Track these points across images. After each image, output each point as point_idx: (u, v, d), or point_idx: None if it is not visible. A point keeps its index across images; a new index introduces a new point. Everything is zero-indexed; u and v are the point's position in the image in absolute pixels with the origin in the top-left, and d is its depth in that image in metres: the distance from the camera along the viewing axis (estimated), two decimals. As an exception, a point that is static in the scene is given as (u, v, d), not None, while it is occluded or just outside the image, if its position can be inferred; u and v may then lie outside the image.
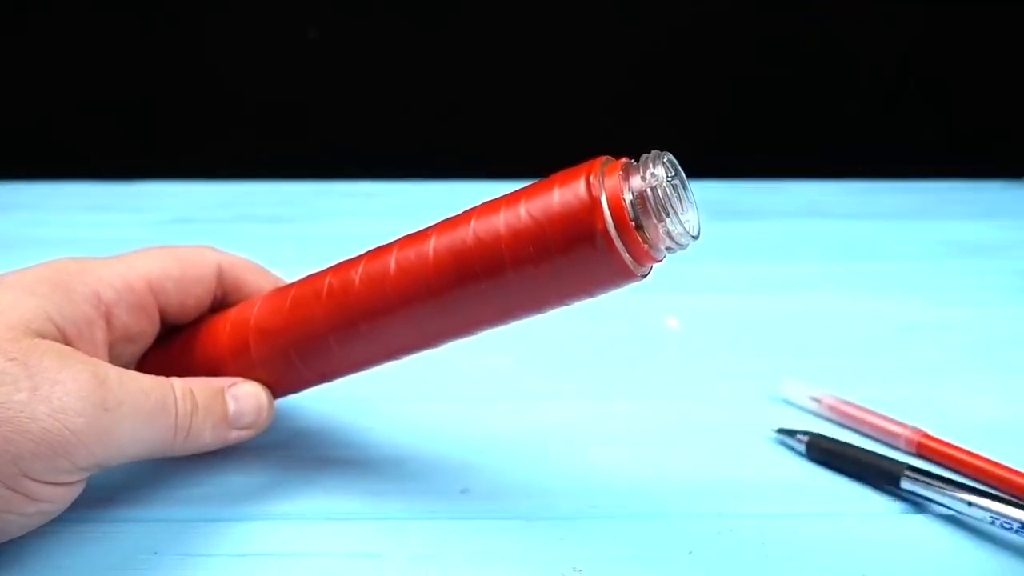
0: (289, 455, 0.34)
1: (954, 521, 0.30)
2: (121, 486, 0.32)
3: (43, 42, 0.72)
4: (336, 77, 0.73)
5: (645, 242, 0.25)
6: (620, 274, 0.25)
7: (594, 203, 0.25)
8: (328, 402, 0.37)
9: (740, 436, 0.36)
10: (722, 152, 0.76)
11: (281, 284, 0.34)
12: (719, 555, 0.29)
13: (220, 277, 0.33)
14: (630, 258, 0.25)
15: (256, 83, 0.74)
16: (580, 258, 0.25)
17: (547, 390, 0.40)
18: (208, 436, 0.30)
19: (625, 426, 0.36)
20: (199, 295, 0.33)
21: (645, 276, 0.26)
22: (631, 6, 0.73)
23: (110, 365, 0.27)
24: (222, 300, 0.34)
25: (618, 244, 0.25)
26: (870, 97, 0.76)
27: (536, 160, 0.72)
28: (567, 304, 0.27)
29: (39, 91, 0.73)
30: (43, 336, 0.27)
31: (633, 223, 0.25)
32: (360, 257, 0.30)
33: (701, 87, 0.75)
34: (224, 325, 0.32)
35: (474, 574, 0.28)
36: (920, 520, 0.31)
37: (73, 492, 0.27)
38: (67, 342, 0.28)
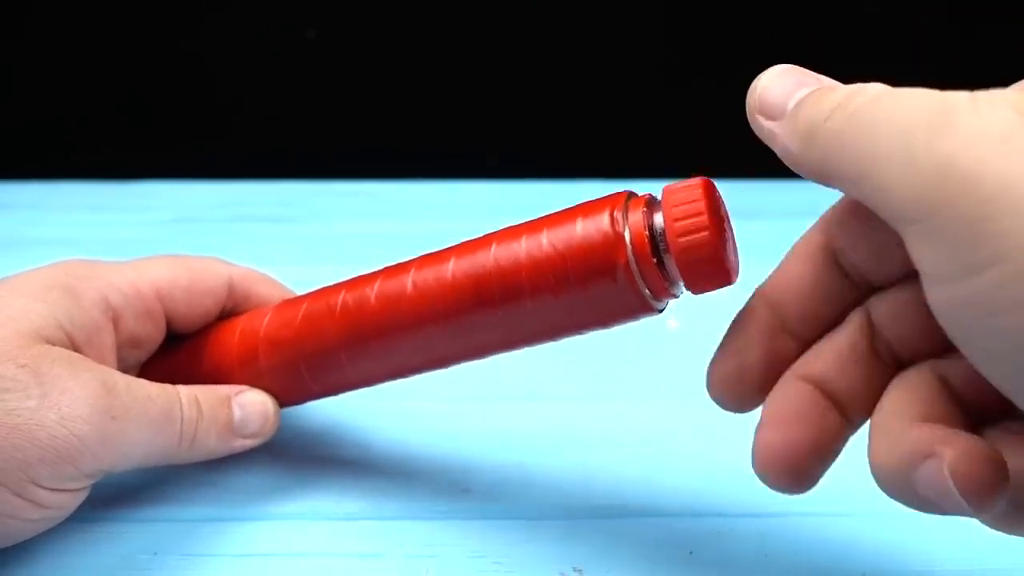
0: (289, 455, 0.34)
1: (955, 520, 0.30)
2: (122, 486, 0.32)
3: (42, 42, 0.72)
4: (336, 77, 0.73)
5: (665, 279, 0.25)
6: (638, 309, 0.26)
7: (617, 238, 0.25)
8: (329, 402, 0.37)
9: (740, 436, 0.36)
10: (722, 152, 0.76)
11: (291, 296, 0.34)
12: (719, 555, 0.29)
13: (230, 289, 0.33)
14: (649, 294, 0.25)
15: (255, 83, 0.74)
16: (599, 291, 0.25)
17: (547, 390, 0.40)
18: (213, 443, 0.30)
19: (625, 426, 0.36)
20: (208, 306, 0.33)
21: (662, 311, 0.26)
22: (631, 5, 0.73)
23: (118, 373, 0.28)
24: (231, 311, 0.34)
25: (639, 280, 0.25)
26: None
27: (537, 160, 0.72)
28: (582, 334, 0.27)
29: (38, 91, 0.73)
30: (52, 343, 0.27)
31: (655, 260, 0.25)
32: (376, 274, 0.30)
33: (701, 86, 0.75)
34: (233, 333, 0.32)
35: (474, 574, 0.28)
36: (920, 520, 0.31)
37: (78, 499, 0.27)
38: (76, 348, 0.28)
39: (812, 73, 0.23)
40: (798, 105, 0.22)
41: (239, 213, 0.63)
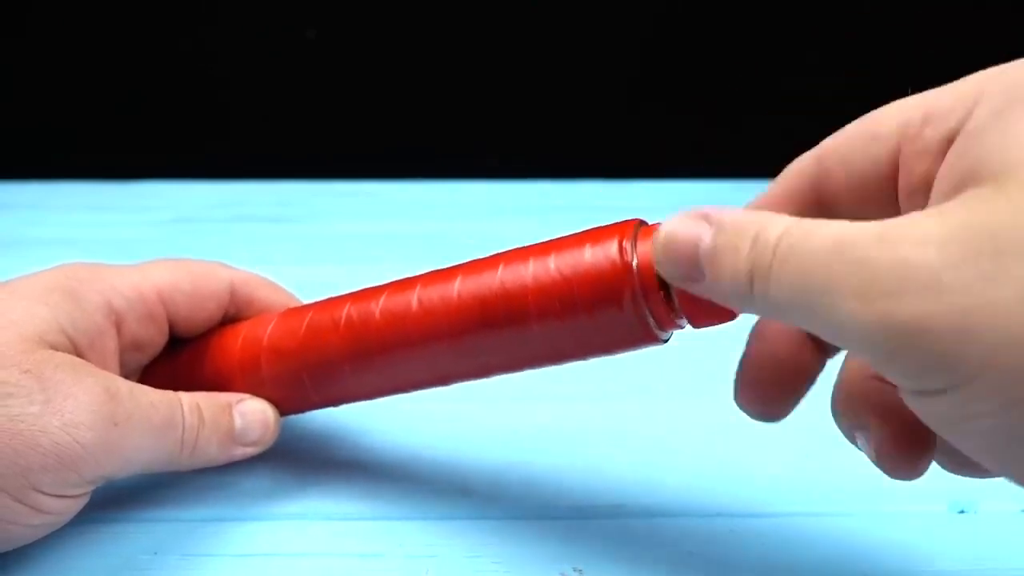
0: (289, 455, 0.34)
1: (955, 520, 0.30)
2: (121, 486, 0.32)
3: (42, 42, 0.72)
4: (336, 77, 0.73)
5: (672, 311, 0.25)
6: (643, 338, 0.25)
7: (625, 267, 0.25)
8: (328, 402, 0.37)
9: (740, 436, 0.36)
10: (722, 152, 0.76)
11: (294, 301, 0.34)
12: (719, 555, 0.29)
13: (232, 294, 0.33)
14: (655, 323, 0.25)
15: (255, 83, 0.74)
16: (605, 319, 0.25)
17: (547, 390, 0.40)
18: (214, 451, 0.30)
19: (625, 426, 0.36)
20: (210, 310, 0.33)
21: (667, 341, 0.26)
22: (631, 4, 0.73)
23: (121, 379, 0.28)
24: (234, 316, 0.34)
25: (645, 310, 0.25)
26: (871, 95, 0.76)
27: (537, 160, 0.72)
28: (585, 359, 0.27)
29: (38, 90, 0.73)
30: (55, 347, 0.27)
31: (662, 293, 0.25)
32: (381, 288, 0.30)
33: (702, 86, 0.75)
34: (236, 340, 0.32)
35: (474, 574, 0.28)
36: (920, 520, 0.31)
37: (78, 504, 0.27)
38: (78, 353, 0.28)
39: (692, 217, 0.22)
40: (710, 268, 0.21)
41: (239, 213, 0.63)
